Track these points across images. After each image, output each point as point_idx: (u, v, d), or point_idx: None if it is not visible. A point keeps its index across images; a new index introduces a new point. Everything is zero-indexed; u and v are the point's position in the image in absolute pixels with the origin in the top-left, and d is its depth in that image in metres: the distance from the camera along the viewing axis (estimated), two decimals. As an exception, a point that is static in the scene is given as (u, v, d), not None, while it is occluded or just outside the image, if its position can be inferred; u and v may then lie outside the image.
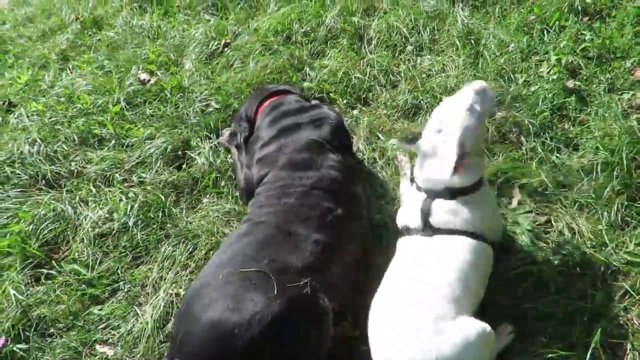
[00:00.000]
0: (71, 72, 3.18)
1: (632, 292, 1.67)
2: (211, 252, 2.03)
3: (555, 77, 2.44)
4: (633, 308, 1.66)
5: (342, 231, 1.74)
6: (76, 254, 2.13)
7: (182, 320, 1.56)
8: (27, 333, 1.87)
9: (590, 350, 1.53)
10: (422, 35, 2.90)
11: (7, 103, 2.96)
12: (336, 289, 1.64)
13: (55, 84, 3.06)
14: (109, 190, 2.33)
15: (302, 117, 2.10)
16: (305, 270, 1.58)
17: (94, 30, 3.61)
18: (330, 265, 1.65)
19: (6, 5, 4.52)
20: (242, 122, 2.31)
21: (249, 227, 1.74)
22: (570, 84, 2.40)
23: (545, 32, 2.71)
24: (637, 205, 1.89)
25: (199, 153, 2.46)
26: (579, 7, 2.74)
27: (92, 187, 2.34)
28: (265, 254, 1.59)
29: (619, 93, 2.32)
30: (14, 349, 1.81)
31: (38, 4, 4.22)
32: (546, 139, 2.21)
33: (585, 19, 2.70)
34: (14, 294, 1.93)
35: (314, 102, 2.35)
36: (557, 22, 2.71)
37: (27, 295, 1.97)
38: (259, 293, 1.49)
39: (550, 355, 1.53)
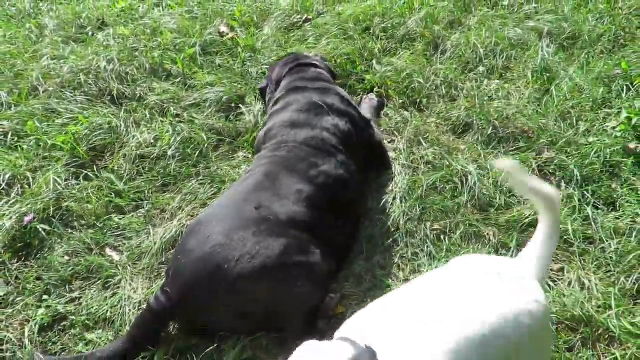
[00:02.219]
0: (163, 10, 3.41)
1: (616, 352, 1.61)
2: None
3: (619, 134, 2.34)
4: (618, 376, 1.59)
5: (326, 188, 1.81)
6: (115, 166, 2.32)
7: (177, 255, 1.69)
8: (52, 219, 2.07)
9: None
10: (497, 59, 2.87)
11: (101, 21, 3.23)
12: (324, 247, 1.70)
13: (145, 15, 3.29)
14: (161, 120, 2.50)
15: (313, 84, 2.21)
16: (290, 220, 1.65)
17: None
18: (314, 220, 1.71)
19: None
20: (270, 84, 2.41)
21: (245, 175, 1.86)
22: (633, 145, 2.29)
23: (625, 88, 2.60)
24: (659, 281, 1.80)
25: (249, 110, 2.58)
26: (671, 74, 2.60)
27: (147, 113, 2.52)
28: (254, 198, 1.69)
29: (682, 169, 2.20)
30: (38, 227, 2.01)
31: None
32: (587, 191, 2.13)
33: (672, 85, 2.56)
34: (54, 181, 2.14)
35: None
36: (640, 85, 2.59)
37: (63, 186, 2.18)
38: (249, 234, 1.58)
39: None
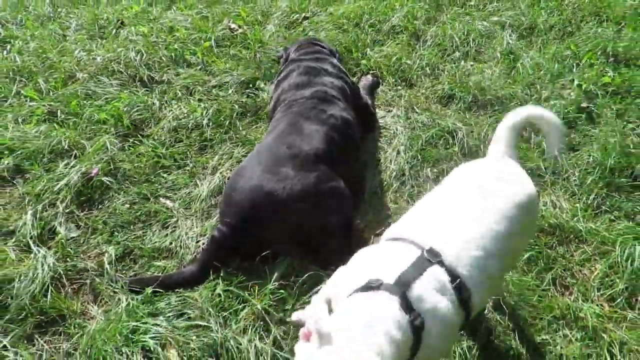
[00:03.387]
0: (174, 12, 3.79)
1: (588, 252, 2.07)
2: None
3: (573, 97, 2.88)
4: (586, 264, 2.05)
5: (337, 128, 2.22)
6: (156, 135, 2.66)
7: (228, 194, 2.06)
8: (112, 173, 2.39)
9: (546, 282, 1.95)
10: (470, 46, 3.39)
11: (120, 22, 3.58)
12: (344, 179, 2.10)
13: (160, 17, 3.67)
14: (190, 98, 2.87)
15: (311, 56, 2.69)
16: (316, 154, 2.06)
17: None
18: (332, 155, 2.11)
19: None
20: (282, 59, 2.88)
21: (269, 131, 2.28)
22: (585, 104, 2.83)
23: (575, 65, 3.16)
24: (613, 197, 2.29)
25: (264, 89, 2.99)
26: (610, 52, 3.18)
27: (178, 92, 2.88)
28: (284, 142, 2.09)
29: (625, 121, 2.73)
30: (103, 179, 2.33)
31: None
32: (552, 139, 2.63)
33: (612, 60, 3.13)
34: (108, 144, 2.47)
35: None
36: (588, 60, 3.15)
37: (115, 151, 2.50)
38: (289, 168, 1.97)
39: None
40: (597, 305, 1.90)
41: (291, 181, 1.96)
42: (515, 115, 1.64)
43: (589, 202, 2.29)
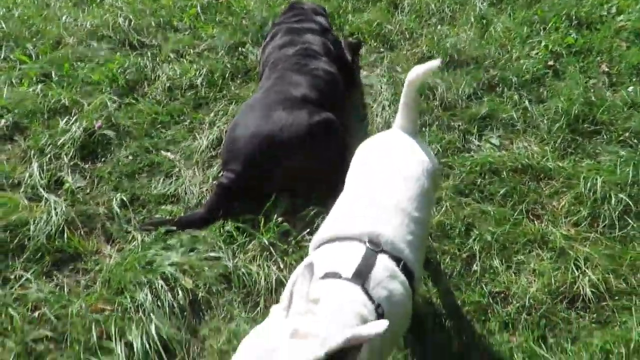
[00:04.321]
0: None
1: (556, 186, 2.32)
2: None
3: (540, 57, 3.12)
4: (555, 197, 2.30)
5: (321, 78, 2.42)
6: (152, 95, 2.76)
7: (228, 144, 2.21)
8: (112, 129, 2.49)
9: (518, 212, 2.19)
10: (446, 12, 3.59)
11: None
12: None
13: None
14: (183, 60, 2.97)
15: (294, 18, 2.85)
16: (304, 97, 2.25)
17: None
18: (320, 100, 2.30)
19: None
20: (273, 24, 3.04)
21: (258, 90, 2.46)
22: (551, 62, 3.08)
23: (542, 29, 3.40)
24: (577, 141, 2.55)
25: (252, 52, 3.11)
26: (574, 17, 3.44)
27: (170, 55, 2.98)
28: (275, 90, 2.29)
29: (587, 76, 2.99)
30: (106, 132, 2.43)
31: None
32: (523, 93, 2.87)
33: (575, 23, 3.40)
34: (107, 102, 2.56)
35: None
36: (554, 24, 3.40)
37: (113, 109, 2.59)
38: (280, 110, 2.15)
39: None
40: (565, 230, 2.15)
41: (285, 121, 2.13)
42: (404, 94, 1.64)
43: (557, 145, 2.54)
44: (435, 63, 1.57)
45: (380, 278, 1.17)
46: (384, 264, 1.21)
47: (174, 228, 2.05)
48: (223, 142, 2.35)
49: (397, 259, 1.24)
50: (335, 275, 1.14)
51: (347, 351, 0.89)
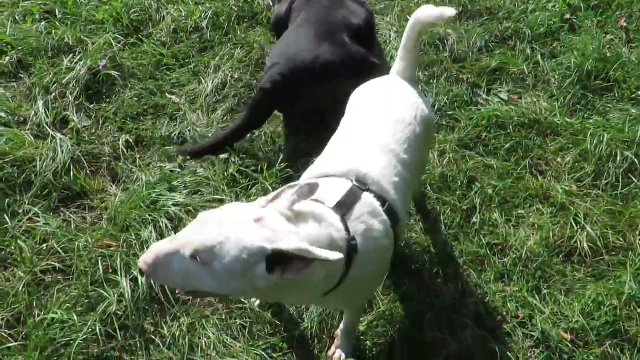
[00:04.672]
0: None
1: (562, 142, 2.30)
2: (259, 59, 2.62)
3: (557, 9, 3.01)
4: (560, 153, 2.29)
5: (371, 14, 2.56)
6: (156, 36, 2.71)
7: (280, 47, 2.30)
8: (118, 68, 2.46)
9: (521, 167, 2.19)
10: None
11: None
12: None
13: None
14: (188, 0, 2.89)
15: None
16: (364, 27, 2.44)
17: None
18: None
19: None
20: None
21: (298, 23, 2.41)
22: (567, 15, 2.97)
23: (560, -18, 3.26)
24: (587, 97, 2.50)
25: (262, -4, 3.02)
26: (595, -32, 3.29)
27: (175, -6, 2.90)
28: (333, 13, 2.36)
29: (604, 32, 2.90)
30: (110, 72, 2.40)
31: None
32: (536, 46, 2.79)
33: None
34: (112, 41, 2.52)
35: None
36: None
37: (117, 48, 2.56)
38: (343, 35, 2.25)
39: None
40: (567, 185, 2.15)
41: (340, 47, 2.24)
42: (405, 36, 1.60)
43: (566, 101, 2.50)
44: (449, 11, 1.52)
45: (360, 213, 1.20)
46: (367, 201, 1.24)
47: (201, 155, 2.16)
48: (278, 43, 2.40)
49: (382, 200, 1.27)
50: (317, 201, 1.18)
51: (293, 260, 0.97)
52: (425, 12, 1.52)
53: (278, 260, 0.97)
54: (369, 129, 1.45)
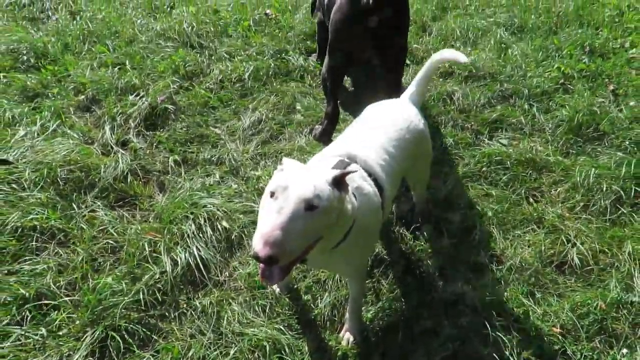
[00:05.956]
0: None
1: (555, 176, 2.58)
2: (291, 104, 3.08)
3: (552, 76, 3.44)
4: (554, 185, 2.56)
5: None
6: (206, 84, 3.22)
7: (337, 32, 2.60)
8: (173, 105, 2.94)
9: (517, 194, 2.46)
10: (469, 37, 3.99)
11: (171, 4, 4.21)
12: None
13: (203, 3, 4.31)
14: (234, 59, 3.45)
15: None
16: None
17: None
18: None
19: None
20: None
21: None
22: (562, 81, 3.39)
23: (557, 55, 3.74)
24: (578, 142, 2.82)
25: (294, 58, 3.57)
26: (588, 47, 3.77)
27: (224, 54, 3.47)
28: None
29: (594, 94, 3.28)
30: (167, 106, 2.88)
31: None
32: (532, 104, 3.18)
33: (588, 51, 3.71)
34: (170, 84, 3.03)
35: None
36: (568, 52, 3.73)
37: (174, 90, 3.06)
38: None
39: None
40: (559, 210, 2.40)
41: None
42: (423, 70, 2.07)
43: (559, 145, 2.82)
44: (462, 57, 1.97)
45: (351, 177, 1.49)
46: (355, 168, 1.58)
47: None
48: (331, 30, 2.65)
49: (369, 172, 1.62)
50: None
51: (342, 183, 1.37)
52: (441, 56, 1.96)
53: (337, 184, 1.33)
54: (371, 130, 1.83)
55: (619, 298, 1.96)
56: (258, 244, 1.17)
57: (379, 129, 1.83)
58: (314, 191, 1.25)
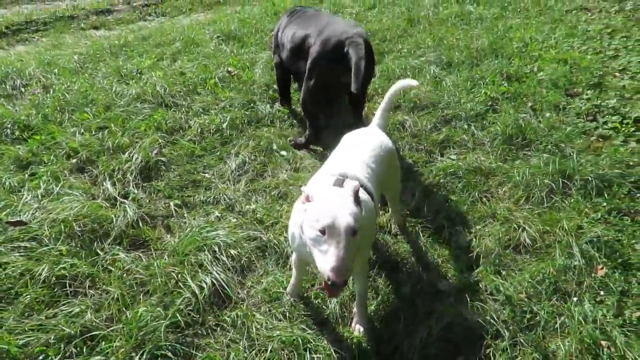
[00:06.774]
0: (179, 63, 4.84)
1: (500, 179, 3.13)
2: (268, 146, 3.49)
3: (482, 100, 4.10)
4: (500, 186, 3.09)
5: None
6: (188, 137, 3.57)
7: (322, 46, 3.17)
8: (163, 157, 3.25)
9: (472, 197, 2.97)
10: (408, 74, 4.63)
11: (139, 71, 4.56)
12: None
13: (170, 67, 4.70)
14: (209, 113, 3.83)
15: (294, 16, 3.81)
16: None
17: (193, 46, 5.37)
18: None
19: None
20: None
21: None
22: (490, 103, 4.05)
23: (482, 83, 4.44)
24: (512, 150, 3.41)
25: (261, 107, 4.01)
26: (505, 73, 4.51)
27: (199, 109, 3.84)
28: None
29: (517, 111, 3.95)
30: (160, 158, 3.18)
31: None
32: (470, 123, 3.78)
33: (506, 77, 4.45)
34: (159, 139, 3.34)
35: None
36: (491, 79, 4.45)
37: (162, 144, 3.38)
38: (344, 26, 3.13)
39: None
40: (507, 205, 2.92)
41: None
42: (385, 101, 2.61)
43: (497, 155, 3.40)
44: (414, 82, 2.50)
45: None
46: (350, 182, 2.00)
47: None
48: (316, 51, 3.22)
49: (360, 184, 2.04)
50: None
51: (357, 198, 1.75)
52: (401, 83, 2.50)
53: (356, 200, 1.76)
54: (353, 152, 2.27)
55: (564, 264, 2.45)
56: (333, 274, 1.55)
57: (360, 150, 2.27)
58: (355, 217, 1.65)
